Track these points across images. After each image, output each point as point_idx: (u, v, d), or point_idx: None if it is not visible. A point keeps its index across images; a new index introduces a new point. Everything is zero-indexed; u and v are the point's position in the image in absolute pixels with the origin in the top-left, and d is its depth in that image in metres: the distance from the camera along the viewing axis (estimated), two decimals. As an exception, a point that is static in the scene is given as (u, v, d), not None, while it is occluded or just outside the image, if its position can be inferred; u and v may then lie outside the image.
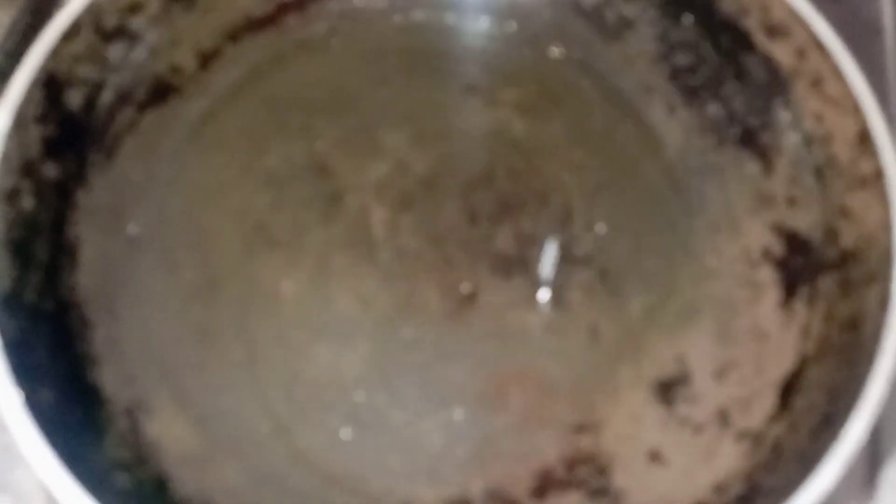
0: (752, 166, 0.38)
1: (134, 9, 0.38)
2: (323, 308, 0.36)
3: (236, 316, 0.35)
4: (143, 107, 0.38)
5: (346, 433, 0.33)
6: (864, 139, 0.32)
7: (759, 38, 0.37)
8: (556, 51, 0.41)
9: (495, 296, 0.36)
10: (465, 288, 0.36)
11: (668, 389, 0.34)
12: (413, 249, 0.37)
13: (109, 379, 0.33)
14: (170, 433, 0.33)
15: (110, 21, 0.37)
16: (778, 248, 0.36)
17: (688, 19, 0.39)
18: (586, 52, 0.41)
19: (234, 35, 0.40)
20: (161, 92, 0.39)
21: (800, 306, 0.34)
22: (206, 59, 0.40)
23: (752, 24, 0.37)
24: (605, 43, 0.41)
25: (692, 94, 0.40)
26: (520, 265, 0.37)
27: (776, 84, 0.37)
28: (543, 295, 0.36)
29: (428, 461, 0.33)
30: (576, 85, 0.41)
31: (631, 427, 0.34)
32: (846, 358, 0.30)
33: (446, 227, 0.37)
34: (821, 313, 0.33)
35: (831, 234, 0.34)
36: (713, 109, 0.39)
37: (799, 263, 0.35)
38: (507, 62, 0.42)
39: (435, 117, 0.40)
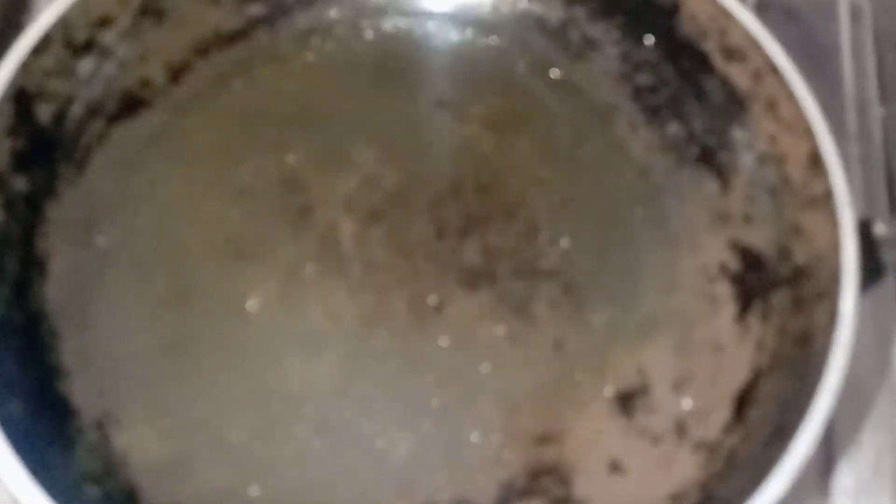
0: (710, 184, 0.39)
1: (104, 23, 0.38)
2: (293, 320, 0.36)
3: (207, 328, 0.36)
4: (113, 120, 0.39)
5: (315, 444, 0.34)
6: (816, 161, 0.34)
7: (718, 61, 0.38)
8: (556, 71, 0.42)
9: (462, 308, 0.37)
10: (432, 300, 0.37)
11: (628, 400, 0.35)
12: (382, 262, 0.38)
13: (79, 391, 0.34)
14: (140, 444, 0.33)
15: (80, 35, 0.37)
16: (734, 263, 0.37)
17: (649, 40, 0.40)
18: (552, 70, 0.42)
19: (204, 49, 0.41)
20: (131, 106, 0.39)
21: (754, 321, 0.35)
22: (177, 73, 0.40)
23: (711, 47, 0.38)
24: (570, 61, 0.42)
25: (654, 114, 0.41)
26: (486, 278, 0.38)
27: (733, 105, 0.38)
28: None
29: (395, 472, 0.33)
30: (543, 102, 0.42)
31: (592, 438, 0.35)
32: (797, 371, 0.32)
33: (414, 240, 0.38)
34: (774, 328, 0.34)
35: (784, 252, 0.35)
36: (674, 128, 0.40)
37: (754, 279, 0.36)
38: (476, 78, 0.43)
39: (405, 132, 0.41)
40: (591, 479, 0.34)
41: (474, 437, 0.34)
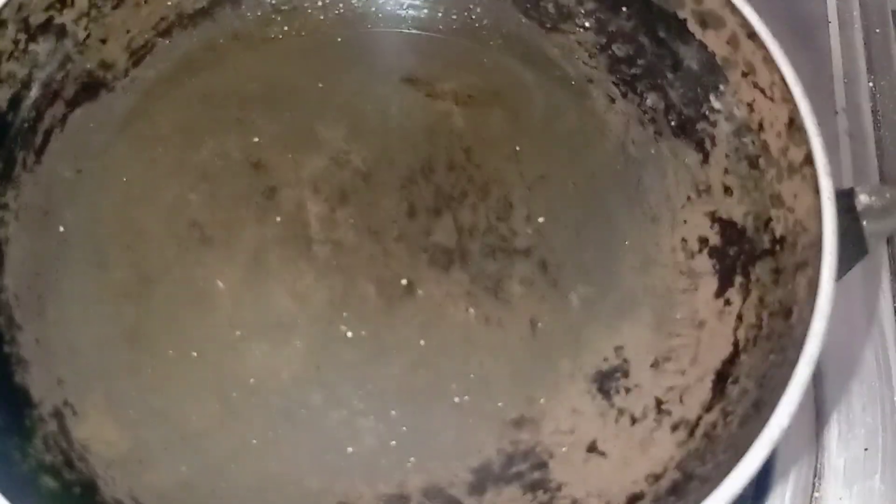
0: (689, 156, 0.38)
1: (62, 4, 0.37)
2: (258, 306, 0.35)
3: (169, 315, 0.35)
4: (72, 104, 0.37)
5: (282, 431, 0.33)
6: (795, 126, 0.32)
7: (694, 28, 0.37)
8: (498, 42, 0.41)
9: (434, 289, 0.36)
10: (402, 281, 0.36)
11: (606, 381, 0.34)
12: (350, 244, 0.36)
13: (37, 381, 0.33)
14: (100, 435, 0.32)
15: (37, 17, 0.36)
16: (714, 236, 0.36)
17: (625, 9, 0.39)
18: (527, 43, 0.41)
19: (167, 30, 0.39)
20: (91, 89, 0.38)
21: (734, 295, 0.34)
22: (138, 55, 0.39)
23: (687, 14, 0.37)
24: (544, 33, 0.41)
25: (631, 85, 0.40)
26: (459, 258, 0.36)
27: (711, 73, 0.36)
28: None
29: (364, 460, 0.32)
30: (516, 76, 0.41)
31: (570, 420, 0.33)
32: (777, 344, 0.30)
33: (385, 220, 0.37)
34: (754, 301, 0.33)
35: (764, 223, 0.34)
36: (652, 100, 0.39)
37: (734, 252, 0.35)
38: (447, 53, 0.41)
39: (374, 110, 0.40)
40: (568, 462, 0.33)
41: (446, 423, 0.33)
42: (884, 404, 0.38)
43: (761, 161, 0.35)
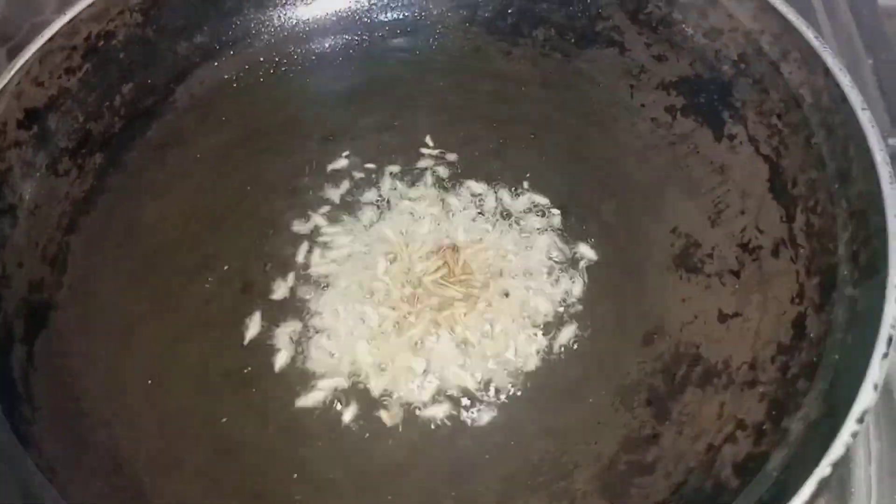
0: (606, 54, 0.40)
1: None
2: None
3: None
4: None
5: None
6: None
7: None
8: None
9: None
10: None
11: (687, 260, 0.34)
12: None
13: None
14: None
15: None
16: (677, 99, 0.38)
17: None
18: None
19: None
20: (36, 315, 0.33)
21: (733, 127, 0.36)
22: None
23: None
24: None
25: (515, 34, 0.41)
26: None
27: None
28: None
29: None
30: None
31: (688, 310, 0.33)
32: (808, 127, 0.32)
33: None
34: (755, 119, 0.35)
35: (715, 57, 0.36)
36: (542, 34, 0.41)
37: (705, 98, 0.37)
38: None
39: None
40: (716, 340, 0.32)
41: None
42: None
43: (674, 14, 0.37)
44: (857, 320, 0.28)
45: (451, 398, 0.32)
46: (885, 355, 0.25)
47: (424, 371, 0.32)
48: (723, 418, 0.30)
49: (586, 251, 0.35)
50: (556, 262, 0.35)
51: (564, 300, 0.34)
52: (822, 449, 0.24)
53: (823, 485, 0.24)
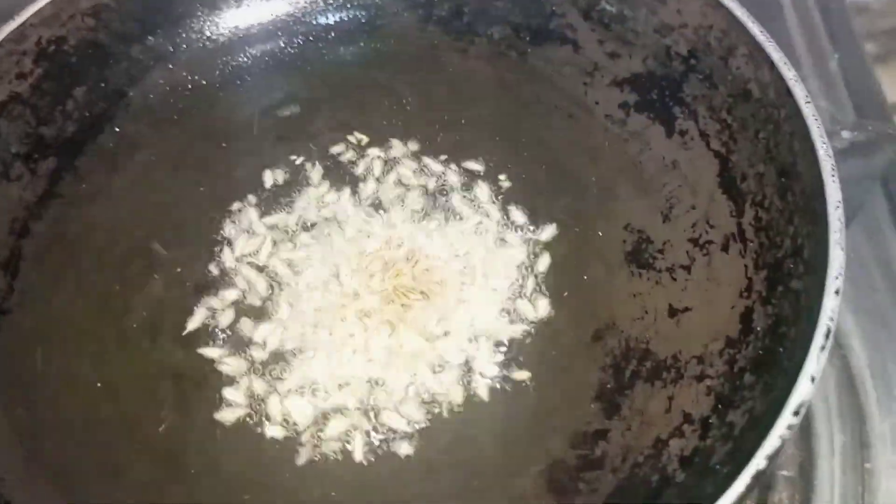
0: (560, 52, 0.40)
1: None
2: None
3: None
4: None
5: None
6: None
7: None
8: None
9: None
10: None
11: (638, 256, 0.35)
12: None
13: None
14: None
15: None
16: (630, 96, 0.38)
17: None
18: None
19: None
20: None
21: (684, 122, 0.36)
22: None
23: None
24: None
25: (470, 32, 0.41)
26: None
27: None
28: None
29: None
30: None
31: (637, 305, 0.33)
32: (757, 123, 0.32)
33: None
34: (705, 113, 0.35)
35: (666, 53, 0.36)
36: (498, 32, 0.41)
37: (657, 94, 0.37)
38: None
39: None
40: (664, 336, 0.32)
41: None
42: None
43: (626, 11, 0.37)
44: (801, 313, 0.28)
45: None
46: (823, 348, 0.26)
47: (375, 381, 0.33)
48: (671, 413, 0.30)
49: (538, 251, 0.36)
50: (507, 261, 0.35)
51: (514, 298, 0.34)
52: (759, 442, 0.24)
53: (759, 478, 0.24)
